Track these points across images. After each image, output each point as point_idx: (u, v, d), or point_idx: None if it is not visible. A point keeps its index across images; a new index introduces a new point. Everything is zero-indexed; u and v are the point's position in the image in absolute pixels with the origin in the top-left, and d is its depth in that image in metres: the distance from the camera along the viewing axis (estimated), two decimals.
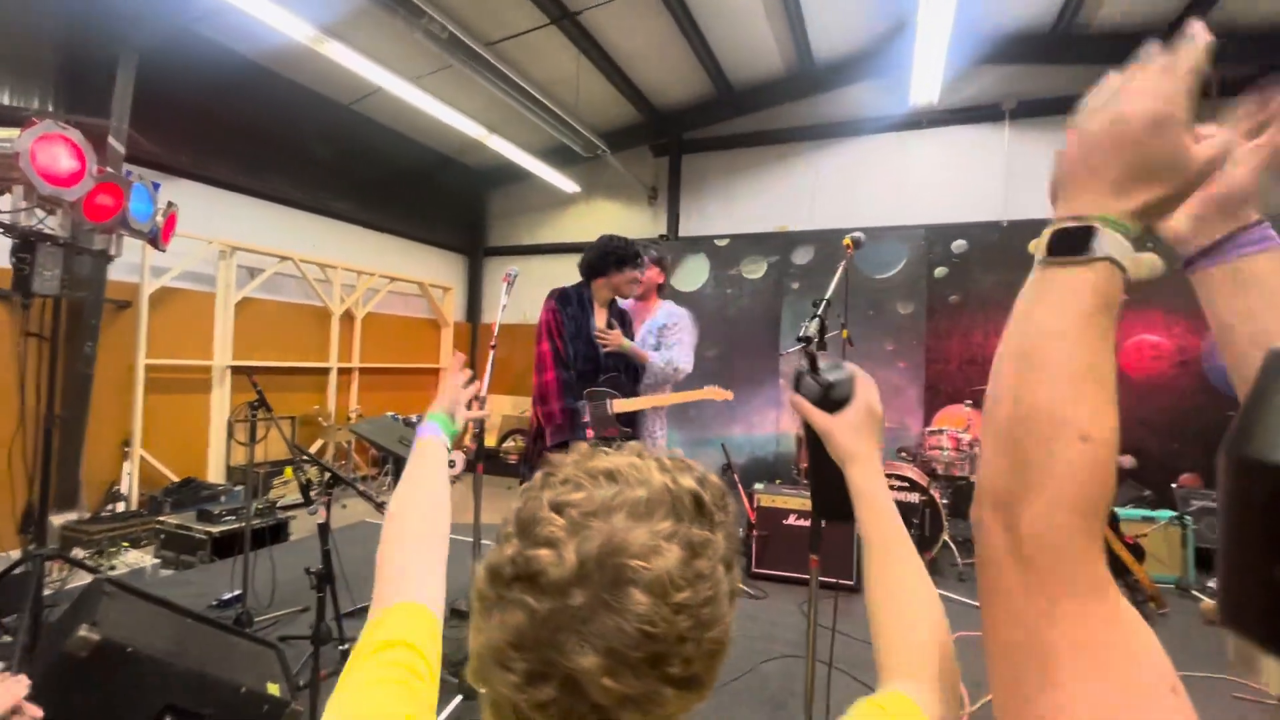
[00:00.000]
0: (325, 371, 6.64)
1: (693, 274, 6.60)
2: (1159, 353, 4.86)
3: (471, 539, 2.35)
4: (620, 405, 2.75)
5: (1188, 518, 3.84)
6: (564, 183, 7.36)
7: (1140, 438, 4.87)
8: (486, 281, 8.80)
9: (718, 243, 6.54)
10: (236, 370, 5.60)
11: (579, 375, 2.72)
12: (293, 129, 6.23)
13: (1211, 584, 3.75)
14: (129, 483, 4.92)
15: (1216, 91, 5.66)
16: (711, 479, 0.50)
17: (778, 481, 4.48)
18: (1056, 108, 6.17)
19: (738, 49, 6.38)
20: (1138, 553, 3.41)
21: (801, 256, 6.12)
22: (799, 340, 1.40)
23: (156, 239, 2.58)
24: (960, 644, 1.98)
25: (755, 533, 3.64)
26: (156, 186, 2.52)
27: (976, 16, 5.57)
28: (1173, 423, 4.78)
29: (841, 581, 3.49)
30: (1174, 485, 4.43)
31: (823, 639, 2.69)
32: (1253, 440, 0.71)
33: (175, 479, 5.11)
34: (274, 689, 1.96)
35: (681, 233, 7.49)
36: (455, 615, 2.99)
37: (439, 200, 8.19)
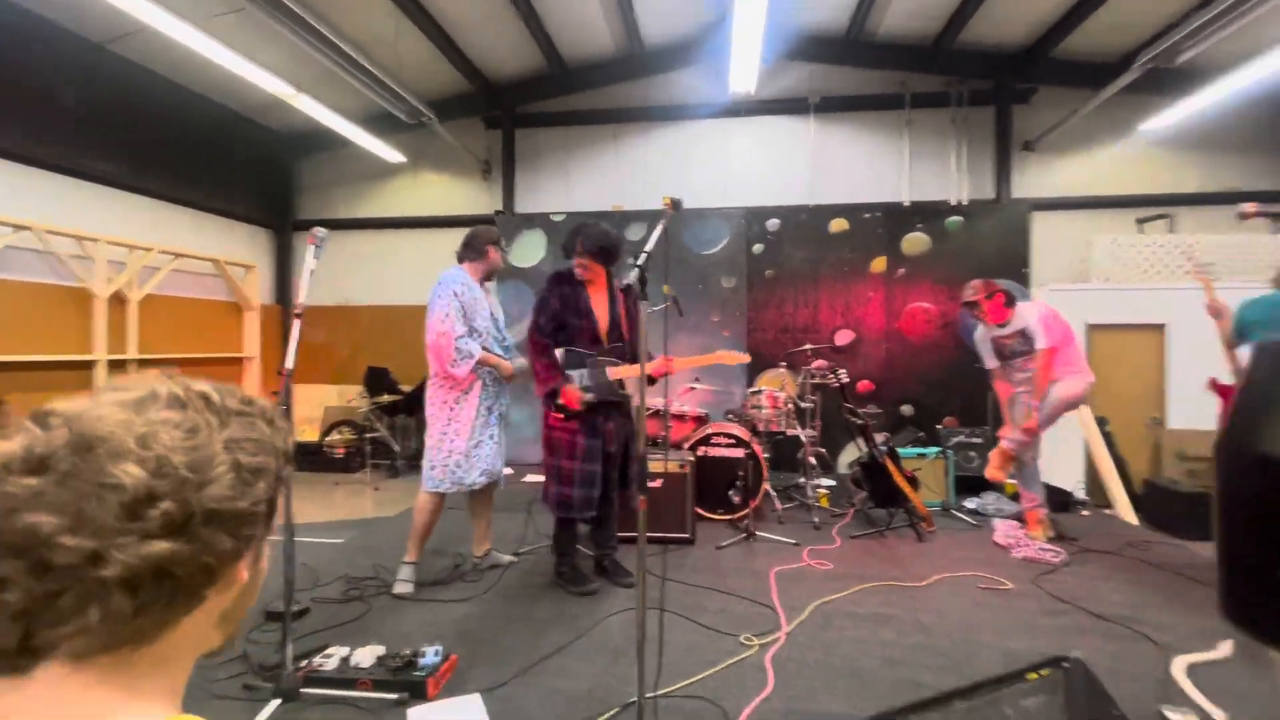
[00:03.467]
0: (89, 365, 5.55)
1: (530, 249, 6.51)
2: (929, 317, 5.77)
3: (282, 538, 2.14)
4: (615, 372, 2.94)
5: (949, 452, 4.65)
6: (387, 152, 6.82)
7: (916, 389, 5.76)
8: (297, 259, 7.91)
9: (554, 219, 6.51)
10: None
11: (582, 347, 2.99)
12: (24, 69, 5.05)
13: (967, 503, 4.59)
14: None
15: (964, 101, 6.79)
16: (243, 394, 0.53)
17: None
18: (852, 105, 6.98)
19: (569, 25, 6.34)
20: (914, 483, 4.05)
21: (635, 233, 6.30)
22: (622, 289, 1.47)
23: None
24: (780, 577, 2.20)
25: None
26: None
27: (786, 14, 6.08)
28: (939, 376, 5.72)
29: (679, 535, 3.73)
30: (939, 426, 5.32)
31: (664, 594, 2.85)
32: (1258, 435, 0.68)
33: None
34: None
35: (517, 208, 7.33)
36: (269, 618, 2.72)
37: (238, 167, 7.16)
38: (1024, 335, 3.83)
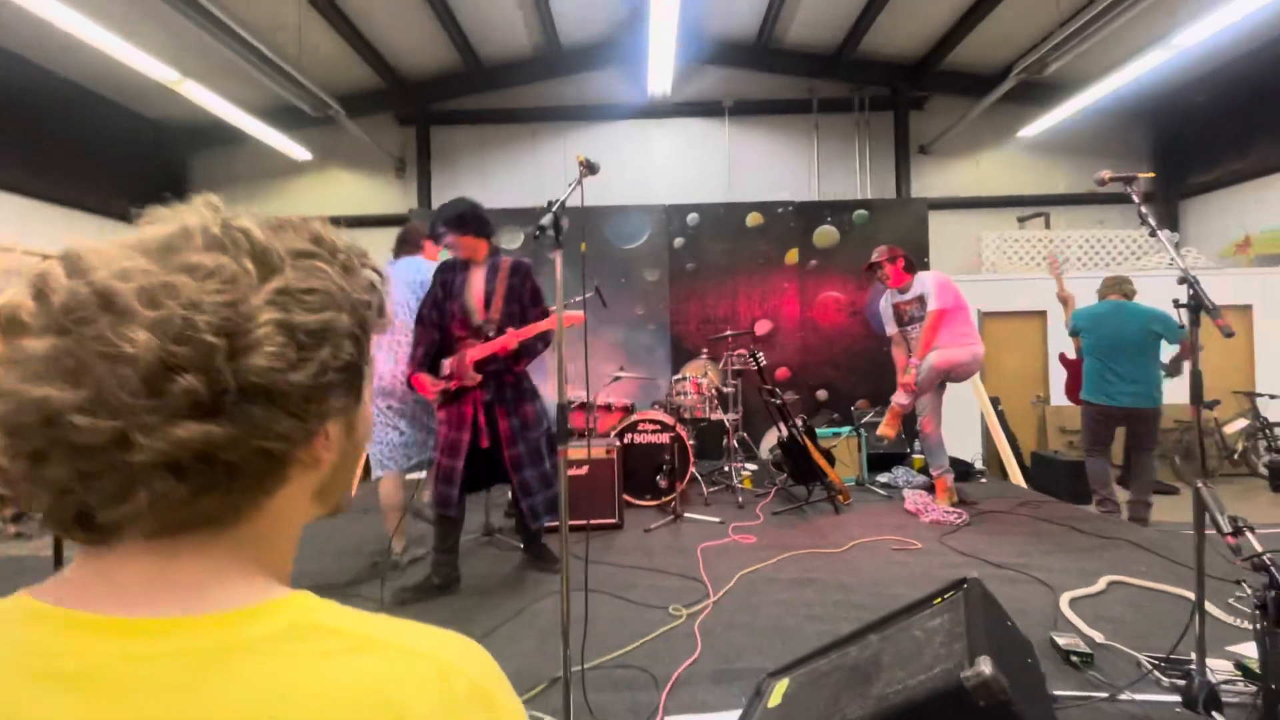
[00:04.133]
0: None
1: None
2: (840, 306, 6.08)
3: None
4: (472, 353, 2.76)
5: (862, 431, 4.91)
6: (291, 147, 6.46)
7: (830, 374, 6.04)
8: None
9: None
10: None
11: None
12: None
13: (880, 478, 4.84)
14: None
15: (867, 106, 7.24)
16: (315, 228, 0.45)
17: None
18: (764, 109, 7.28)
19: (485, 23, 6.26)
20: (830, 459, 4.24)
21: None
22: (536, 231, 1.47)
23: None
24: (707, 552, 2.22)
25: None
26: None
27: (699, 19, 6.28)
28: (851, 361, 6.03)
29: (607, 521, 3.73)
30: (853, 408, 5.60)
31: (588, 574, 2.82)
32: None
33: None
34: None
35: (433, 206, 7.13)
36: None
37: (115, 162, 6.58)
38: (921, 301, 4.00)
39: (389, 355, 3.15)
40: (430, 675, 0.38)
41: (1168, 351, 3.92)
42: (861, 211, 6.19)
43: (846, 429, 4.90)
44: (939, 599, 1.68)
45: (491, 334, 2.76)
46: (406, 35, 6.26)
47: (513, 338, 2.70)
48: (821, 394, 6.01)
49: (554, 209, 1.36)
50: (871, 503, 4.35)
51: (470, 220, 2.81)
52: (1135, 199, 2.03)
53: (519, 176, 7.28)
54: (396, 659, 0.38)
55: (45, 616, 0.37)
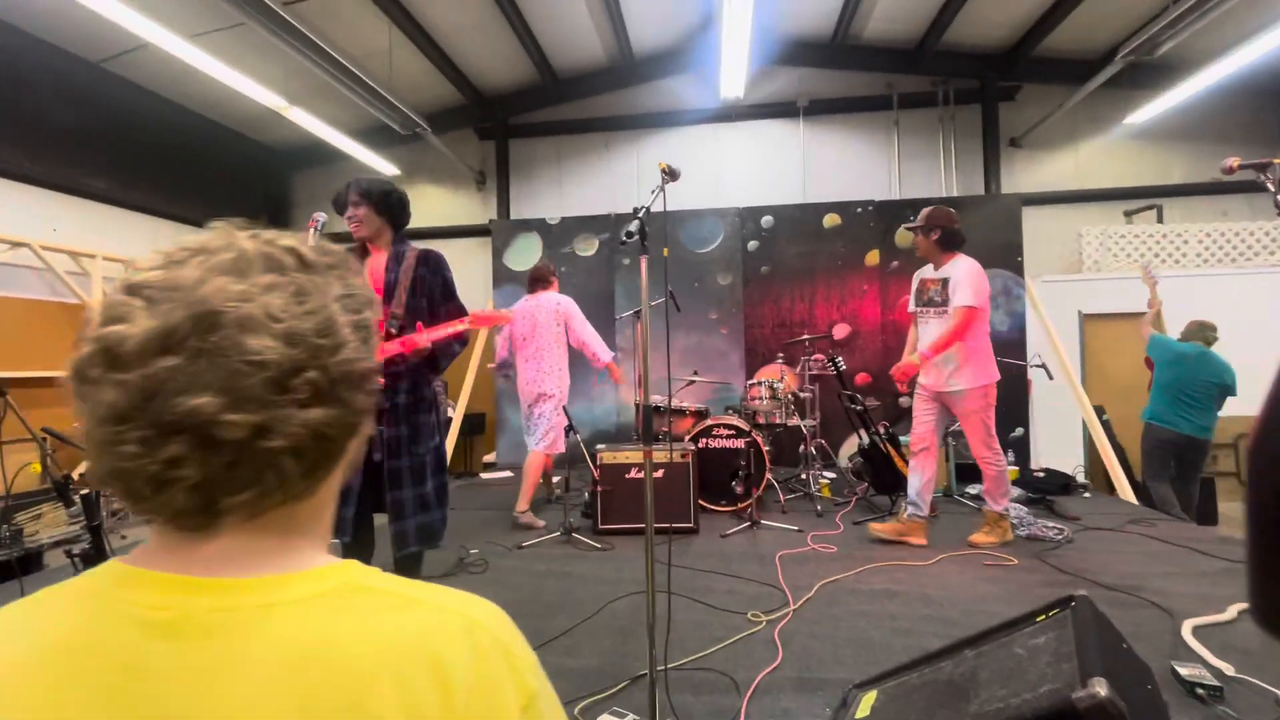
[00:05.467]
0: None
1: (525, 253, 6.55)
2: None
3: None
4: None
5: (949, 440, 4.66)
6: (381, 164, 6.89)
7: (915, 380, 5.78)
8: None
9: (549, 221, 6.57)
10: None
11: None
12: (20, 87, 5.11)
13: (969, 489, 4.59)
14: None
15: (951, 100, 6.91)
16: (319, 243, 0.53)
17: None
18: (840, 107, 7.10)
19: (560, 36, 6.45)
20: None
21: None
22: (624, 238, 1.50)
23: None
24: (785, 560, 2.20)
25: (599, 489, 3.74)
26: None
27: (772, 20, 6.21)
28: None
29: (683, 525, 3.72)
30: None
31: (670, 576, 2.83)
32: (1264, 434, 0.65)
33: None
34: None
35: (512, 217, 7.40)
36: None
37: (232, 182, 7.23)
38: (945, 285, 3.43)
39: (533, 365, 4.05)
40: (459, 629, 0.46)
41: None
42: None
43: None
44: (1043, 615, 1.58)
45: (394, 331, 2.34)
46: (487, 53, 6.53)
47: (427, 336, 2.28)
48: (905, 401, 5.76)
49: (639, 215, 1.38)
50: (960, 515, 4.13)
51: (387, 197, 2.43)
52: (1271, 187, 1.84)
53: (593, 185, 7.43)
54: (433, 614, 0.46)
55: (141, 578, 0.44)
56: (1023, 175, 6.93)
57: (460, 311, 2.47)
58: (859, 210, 6.03)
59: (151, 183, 6.29)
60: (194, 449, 0.42)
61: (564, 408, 3.92)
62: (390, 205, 2.46)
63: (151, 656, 0.41)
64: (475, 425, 6.71)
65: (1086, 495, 4.64)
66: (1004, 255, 5.82)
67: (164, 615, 0.42)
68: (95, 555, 1.60)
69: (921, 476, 3.52)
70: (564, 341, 4.10)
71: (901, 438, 4.39)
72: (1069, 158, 6.93)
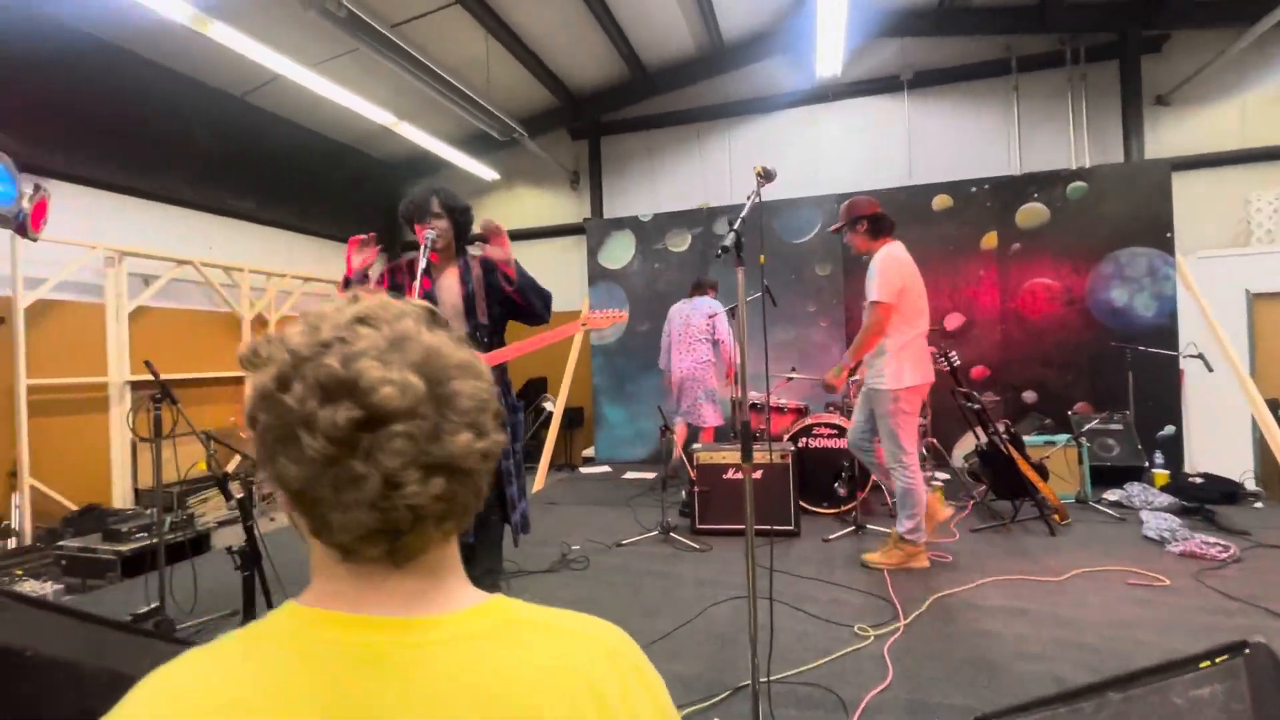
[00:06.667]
0: (239, 381, 6.25)
1: (619, 251, 6.62)
2: (1051, 294, 5.28)
3: None
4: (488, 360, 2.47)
5: (1082, 439, 4.21)
6: (482, 170, 7.21)
7: (1039, 374, 5.28)
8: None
9: (642, 218, 6.59)
10: (136, 385, 5.19)
11: None
12: (182, 124, 5.80)
13: (1108, 495, 4.14)
14: (19, 516, 4.47)
15: (1081, 59, 6.20)
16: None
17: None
18: (950, 77, 6.57)
19: (649, 29, 6.42)
20: (1043, 472, 3.71)
21: (723, 228, 6.23)
22: (720, 251, 1.46)
23: (25, 226, 2.36)
24: (895, 570, 2.09)
25: (697, 489, 3.72)
26: (18, 166, 2.30)
27: None
28: (1066, 357, 5.21)
29: (784, 528, 3.63)
30: (1070, 413, 4.84)
31: (773, 583, 2.78)
32: None
33: (74, 508, 4.68)
34: None
35: (606, 214, 7.49)
36: None
37: (351, 196, 7.83)
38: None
39: (685, 354, 4.74)
40: (604, 655, 0.51)
41: None
42: (1078, 184, 5.32)
43: (1063, 437, 4.24)
44: (1207, 662, 1.38)
45: (485, 341, 2.40)
46: (578, 53, 6.63)
47: (546, 339, 2.39)
48: (1029, 395, 5.28)
49: (734, 227, 1.33)
50: (1097, 524, 3.73)
51: (466, 213, 2.47)
52: None
53: (685, 178, 7.36)
54: (584, 643, 0.51)
55: (336, 621, 0.48)
56: (1171, 137, 6.09)
57: (545, 296, 2.47)
58: (973, 190, 5.56)
59: (286, 201, 6.95)
60: (452, 481, 0.48)
61: (659, 407, 3.92)
62: (467, 221, 2.50)
63: (356, 694, 0.45)
64: (574, 419, 6.91)
65: (1258, 505, 4.03)
66: (1149, 230, 5.15)
67: (363, 654, 0.46)
68: (251, 553, 1.79)
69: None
70: (709, 339, 4.75)
71: (1025, 438, 4.03)
72: (1232, 113, 6.00)
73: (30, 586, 3.63)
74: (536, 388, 7.25)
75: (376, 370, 0.46)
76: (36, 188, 2.39)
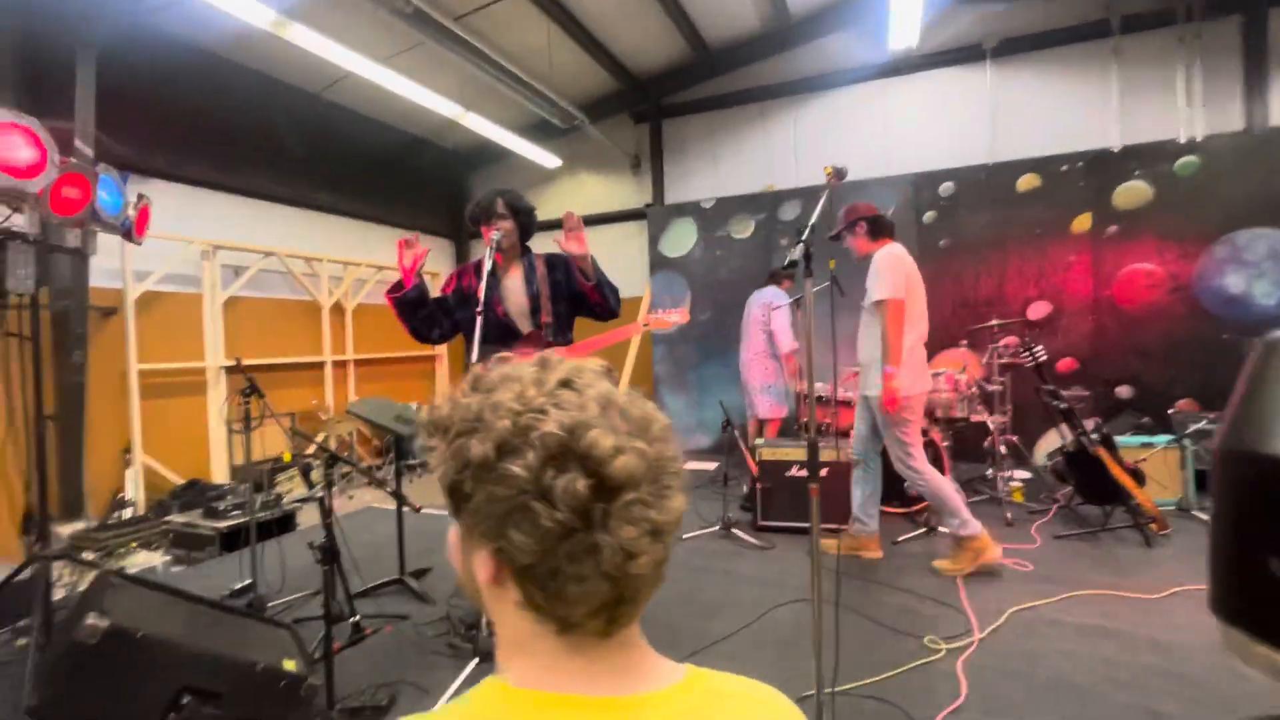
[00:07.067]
0: (320, 366, 6.61)
1: (681, 238, 6.54)
2: (1153, 281, 4.84)
3: None
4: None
5: (1186, 441, 3.86)
6: (545, 158, 7.25)
7: (1136, 367, 4.87)
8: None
9: (704, 205, 6.47)
10: (230, 370, 5.57)
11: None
12: (265, 122, 6.11)
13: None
14: (133, 489, 4.93)
15: (1195, 14, 5.58)
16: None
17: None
18: (1039, 43, 6.07)
19: (712, 7, 6.24)
20: (1138, 477, 3.43)
21: (789, 212, 6.06)
22: (786, 266, 1.39)
23: (130, 232, 2.54)
24: (969, 577, 1.98)
25: (759, 486, 3.66)
26: (125, 177, 2.47)
27: None
28: (1168, 350, 4.78)
29: (843, 527, 3.52)
30: (1171, 411, 4.45)
31: (839, 587, 2.69)
32: (1245, 431, 0.77)
33: (180, 482, 5.11)
34: (290, 665, 1.98)
35: (667, 199, 7.41)
36: None
37: (421, 186, 8.07)
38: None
39: (746, 344, 4.81)
40: (792, 716, 0.54)
41: None
42: (1189, 158, 4.83)
43: (1163, 438, 3.91)
44: None
45: (551, 340, 2.44)
46: (639, 34, 6.52)
47: (599, 343, 2.46)
48: (1123, 390, 4.90)
49: (804, 237, 1.26)
50: (1200, 536, 3.43)
51: (530, 214, 2.53)
52: None
53: (748, 160, 7.16)
54: (774, 708, 0.54)
55: (562, 702, 0.47)
56: None
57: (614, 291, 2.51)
58: (1064, 168, 5.14)
59: (361, 192, 7.23)
60: (665, 546, 0.48)
61: (720, 402, 3.87)
62: (531, 221, 2.56)
63: None
64: None
65: None
66: (1272, 209, 4.63)
67: None
68: (330, 548, 1.90)
69: (863, 490, 3.17)
70: (765, 330, 4.68)
71: (1118, 438, 3.73)
72: None
73: (143, 557, 4.00)
74: None
75: (607, 439, 0.45)
76: (140, 197, 2.56)
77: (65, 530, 4.38)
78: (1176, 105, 5.66)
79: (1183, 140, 5.35)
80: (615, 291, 2.44)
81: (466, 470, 0.46)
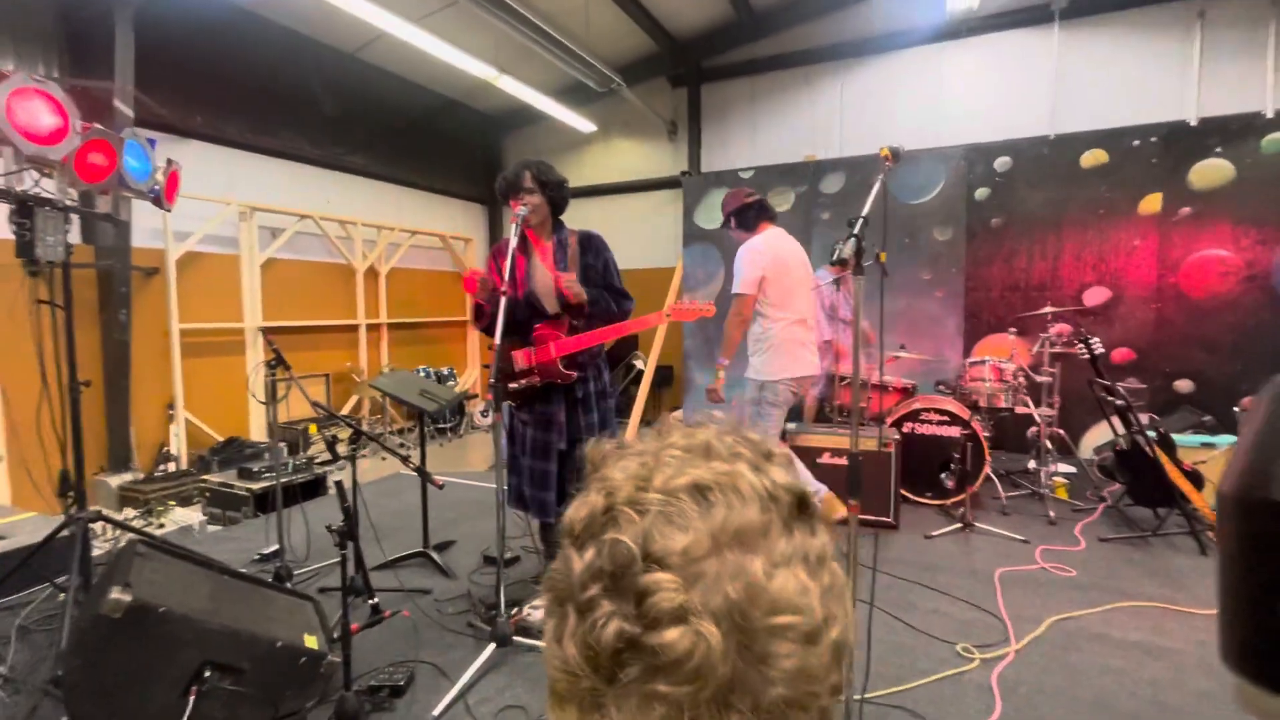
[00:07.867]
0: (354, 329, 6.68)
1: (716, 209, 6.32)
2: (1226, 268, 4.50)
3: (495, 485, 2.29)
4: (560, 347, 2.42)
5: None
6: (580, 122, 7.06)
7: (1199, 360, 4.57)
8: (506, 232, 8.63)
9: (742, 175, 6.23)
10: (267, 331, 5.65)
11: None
12: (300, 83, 6.06)
13: None
14: (177, 443, 5.08)
15: None
16: (781, 454, 0.41)
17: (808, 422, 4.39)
18: (1114, 3, 5.58)
19: None
20: (1196, 480, 3.23)
21: (831, 185, 5.79)
22: (833, 263, 1.27)
23: (160, 198, 2.51)
24: (1006, 579, 1.83)
25: None
26: (153, 143, 2.43)
27: None
28: (1236, 343, 4.46)
29: (881, 519, 3.42)
30: (1236, 409, 4.17)
31: (874, 587, 2.58)
32: (1257, 478, 0.76)
33: (219, 439, 5.26)
34: (312, 641, 1.99)
35: (704, 168, 7.17)
36: (487, 561, 3.02)
37: (454, 149, 7.97)
38: None
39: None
40: None
41: None
42: (1277, 135, 4.42)
43: (1225, 438, 3.67)
44: None
45: (580, 323, 2.41)
46: None
47: (612, 333, 2.42)
48: (1183, 385, 4.61)
49: (855, 231, 1.13)
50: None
51: (560, 187, 2.47)
52: None
53: (790, 128, 6.85)
54: None
55: None
56: None
57: (620, 297, 2.49)
58: (1136, 143, 4.77)
59: (395, 155, 7.17)
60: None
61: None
62: (561, 194, 2.51)
63: None
64: (664, 378, 6.92)
65: None
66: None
67: None
68: (348, 532, 1.88)
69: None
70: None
71: (1178, 437, 3.51)
72: None
73: (181, 513, 4.13)
74: (627, 343, 7.27)
75: (672, 596, 0.33)
76: (169, 162, 2.52)
77: (114, 481, 4.56)
78: (1265, 75, 5.17)
79: (1270, 114, 4.89)
80: (617, 297, 2.46)
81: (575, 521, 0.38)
